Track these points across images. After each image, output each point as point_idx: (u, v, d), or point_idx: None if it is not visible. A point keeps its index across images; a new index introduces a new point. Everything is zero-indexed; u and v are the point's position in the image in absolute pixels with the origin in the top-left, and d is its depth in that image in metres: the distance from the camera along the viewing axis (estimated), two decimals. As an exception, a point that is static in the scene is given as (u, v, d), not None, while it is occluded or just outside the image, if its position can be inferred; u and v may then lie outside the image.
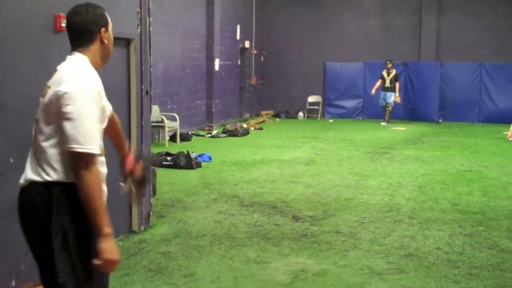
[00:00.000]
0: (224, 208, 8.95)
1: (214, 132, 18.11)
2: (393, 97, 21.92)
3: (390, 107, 22.04)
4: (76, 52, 3.46)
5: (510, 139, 16.82)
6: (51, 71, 5.72)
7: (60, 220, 3.30)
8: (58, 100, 3.23)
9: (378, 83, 22.29)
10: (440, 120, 22.74)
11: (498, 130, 19.26)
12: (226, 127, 18.69)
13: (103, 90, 3.45)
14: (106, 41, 3.50)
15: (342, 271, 6.40)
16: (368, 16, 24.17)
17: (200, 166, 12.18)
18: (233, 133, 17.90)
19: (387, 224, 8.21)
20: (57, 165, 3.30)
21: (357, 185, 10.69)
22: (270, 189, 10.26)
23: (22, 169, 5.38)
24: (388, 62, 22.10)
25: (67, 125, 3.18)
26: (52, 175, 3.31)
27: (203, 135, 17.92)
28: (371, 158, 13.81)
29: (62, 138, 3.23)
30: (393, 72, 21.99)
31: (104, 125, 3.45)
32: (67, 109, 3.19)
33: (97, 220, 3.20)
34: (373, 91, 22.36)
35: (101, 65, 3.57)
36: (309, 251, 7.03)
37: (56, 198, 3.31)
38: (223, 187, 10.34)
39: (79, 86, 3.24)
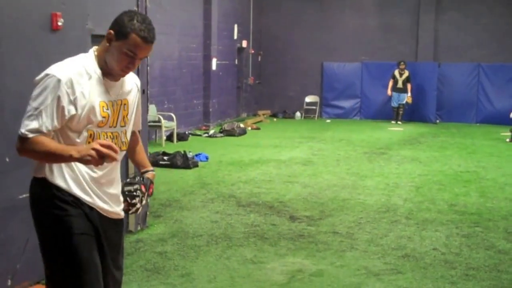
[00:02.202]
0: (221, 208, 8.93)
1: (211, 132, 18.08)
2: (406, 99, 22.02)
3: (403, 108, 22.21)
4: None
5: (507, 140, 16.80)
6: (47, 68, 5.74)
7: (34, 213, 3.43)
8: None
9: (391, 83, 22.34)
10: (438, 121, 22.73)
11: (496, 131, 19.27)
12: (223, 126, 18.66)
13: (87, 88, 3.23)
14: (105, 45, 3.26)
15: (339, 271, 6.39)
16: (366, 16, 24.13)
17: (197, 166, 12.16)
18: (230, 133, 17.87)
19: (384, 224, 8.20)
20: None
21: (354, 186, 10.68)
22: (267, 189, 10.25)
23: (18, 168, 5.37)
24: (401, 63, 22.20)
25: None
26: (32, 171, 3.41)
27: (200, 135, 17.90)
28: (368, 159, 13.81)
29: None
30: (406, 73, 22.12)
31: (81, 121, 3.26)
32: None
33: (60, 159, 3.20)
34: (389, 91, 22.41)
35: (109, 69, 3.31)
36: (306, 251, 7.03)
37: (31, 193, 3.43)
38: (220, 187, 10.32)
39: (45, 72, 3.20)
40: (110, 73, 3.32)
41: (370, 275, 6.30)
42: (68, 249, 3.30)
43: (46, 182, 3.32)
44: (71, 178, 3.31)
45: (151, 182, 3.75)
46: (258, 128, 20.15)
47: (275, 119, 23.77)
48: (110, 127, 3.37)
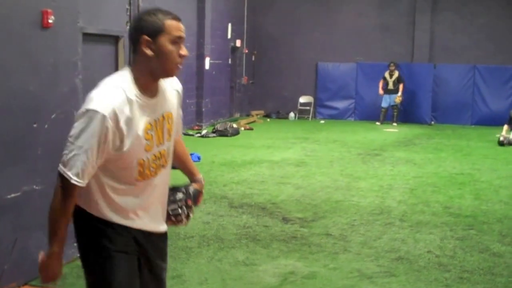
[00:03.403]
0: (212, 209, 8.86)
1: (204, 132, 18.01)
2: (395, 99, 22.05)
3: (397, 109, 22.24)
4: (127, 67, 3.15)
5: (501, 138, 16.73)
6: (38, 67, 5.66)
7: (78, 241, 3.36)
8: None
9: (381, 83, 22.35)
10: (433, 122, 22.73)
11: (491, 132, 19.21)
12: (216, 126, 18.59)
13: (132, 115, 3.00)
14: (149, 52, 3.00)
15: (332, 274, 6.32)
16: (361, 16, 24.10)
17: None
18: (223, 133, 17.81)
19: (377, 226, 8.14)
20: None
21: (348, 187, 10.62)
22: (259, 190, 10.17)
23: (6, 166, 5.29)
24: (391, 64, 22.19)
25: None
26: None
27: (192, 135, 17.82)
28: (362, 160, 13.75)
29: None
30: (396, 73, 22.11)
31: (130, 154, 3.06)
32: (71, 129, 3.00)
33: (50, 237, 3.13)
34: (381, 91, 22.41)
35: (152, 83, 3.11)
36: (298, 253, 6.95)
37: (74, 221, 3.33)
38: (212, 188, 10.24)
39: (85, 106, 2.93)
40: (149, 88, 3.10)
41: (363, 277, 6.23)
42: (105, 270, 3.20)
43: (86, 213, 3.19)
44: (113, 210, 3.16)
45: (199, 192, 3.65)
46: (251, 129, 20.09)
47: (268, 120, 23.74)
48: (157, 146, 3.16)
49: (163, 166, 3.26)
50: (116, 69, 7.11)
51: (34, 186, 5.61)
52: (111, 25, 6.92)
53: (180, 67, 3.16)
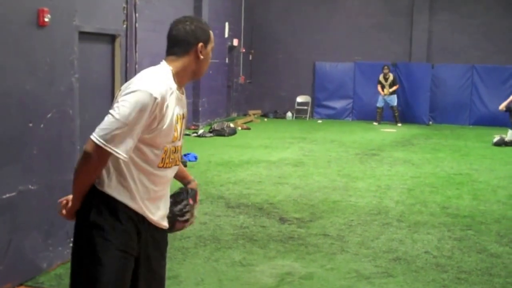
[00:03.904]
0: (209, 209, 8.83)
1: (201, 131, 17.97)
2: (394, 102, 22.13)
3: (397, 110, 22.27)
4: (164, 61, 3.45)
5: (495, 140, 16.83)
6: (34, 66, 5.63)
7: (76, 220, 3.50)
8: None
9: (379, 87, 22.40)
10: (431, 122, 22.74)
11: (489, 133, 19.21)
12: (212, 126, 18.55)
13: (171, 104, 3.29)
14: (201, 57, 3.44)
15: (329, 274, 6.30)
16: (359, 15, 24.09)
17: (185, 166, 12.01)
18: (219, 133, 17.78)
19: (375, 227, 8.12)
20: None
21: (346, 187, 10.60)
22: (256, 190, 10.15)
23: (2, 166, 5.26)
24: (385, 67, 22.21)
25: (105, 118, 3.14)
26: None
27: (189, 134, 17.76)
28: (360, 160, 13.73)
29: None
30: (391, 77, 22.19)
31: (160, 140, 3.30)
32: (114, 106, 3.16)
33: (75, 195, 3.32)
34: (382, 92, 22.42)
35: (188, 80, 3.52)
36: (295, 253, 6.93)
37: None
38: (208, 188, 10.21)
39: (136, 87, 3.16)
40: (182, 85, 3.47)
41: (360, 278, 6.21)
42: (96, 262, 3.29)
43: (98, 191, 3.31)
44: (125, 189, 3.30)
45: (196, 191, 3.80)
46: (248, 128, 20.07)
47: (265, 119, 23.72)
48: (178, 140, 3.45)
49: (176, 162, 3.50)
50: (113, 67, 7.07)
51: (30, 186, 5.58)
52: (108, 23, 6.89)
53: None
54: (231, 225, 8.02)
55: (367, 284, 6.06)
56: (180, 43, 3.40)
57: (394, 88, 22.12)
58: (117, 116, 3.09)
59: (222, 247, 7.05)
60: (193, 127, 19.34)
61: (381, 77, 22.30)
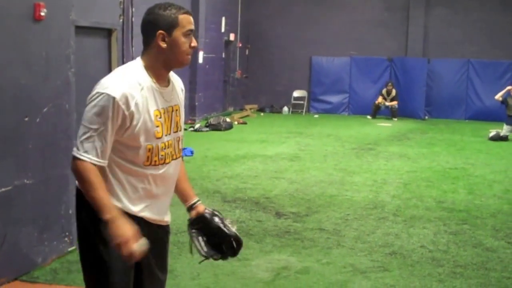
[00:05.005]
0: (205, 203, 8.59)
1: (197, 126, 17.96)
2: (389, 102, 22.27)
3: (395, 109, 22.40)
4: (140, 56, 3.35)
5: (491, 134, 16.89)
6: (30, 60, 5.62)
7: (78, 225, 3.42)
8: None
9: (381, 98, 22.56)
10: (426, 117, 22.73)
11: (485, 127, 19.21)
12: (209, 121, 18.54)
13: (142, 100, 3.16)
14: (163, 45, 3.20)
15: (325, 268, 6.31)
16: (355, 10, 24.05)
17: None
18: (216, 127, 17.77)
19: (371, 221, 8.13)
20: None
21: (342, 182, 10.60)
22: (253, 185, 10.15)
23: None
24: (389, 83, 22.52)
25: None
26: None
27: (185, 129, 17.74)
28: (356, 154, 13.74)
29: None
30: (393, 92, 22.49)
31: (136, 138, 3.19)
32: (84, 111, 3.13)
33: (100, 211, 3.10)
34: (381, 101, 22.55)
35: (166, 72, 3.33)
36: (291, 248, 6.93)
37: (77, 205, 3.39)
38: (205, 182, 10.21)
39: (97, 90, 3.11)
40: (161, 77, 3.30)
41: (356, 272, 6.22)
42: (103, 260, 3.26)
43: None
44: (120, 192, 3.25)
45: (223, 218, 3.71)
46: (244, 123, 20.06)
47: (262, 114, 23.70)
48: (165, 135, 3.29)
49: (173, 157, 3.38)
50: (110, 62, 7.07)
51: (25, 180, 5.57)
52: (104, 18, 6.88)
53: (190, 57, 3.33)
54: (227, 219, 8.01)
55: (363, 278, 6.07)
56: (143, 35, 3.27)
57: (394, 102, 22.21)
58: (83, 123, 3.08)
59: (218, 242, 7.04)
60: (189, 121, 19.33)
61: (384, 91, 22.46)
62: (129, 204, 3.25)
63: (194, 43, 3.30)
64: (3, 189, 5.32)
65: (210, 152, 13.47)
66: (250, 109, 23.62)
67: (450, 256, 6.80)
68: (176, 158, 3.43)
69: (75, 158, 3.07)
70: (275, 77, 24.77)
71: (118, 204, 3.19)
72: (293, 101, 24.47)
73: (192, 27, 3.31)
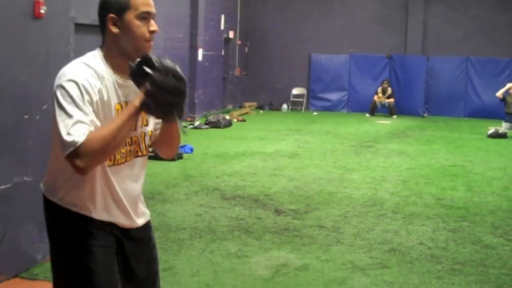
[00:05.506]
0: (205, 201, 8.82)
1: (196, 123, 17.96)
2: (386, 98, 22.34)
3: (393, 106, 22.44)
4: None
5: (489, 132, 16.90)
6: (29, 57, 5.62)
7: (49, 235, 3.13)
8: None
9: (376, 97, 22.60)
10: (425, 114, 22.75)
11: (483, 125, 19.24)
12: (208, 118, 18.54)
13: (101, 87, 2.86)
14: (115, 30, 2.89)
15: (325, 265, 6.31)
16: (354, 8, 24.06)
17: (181, 158, 12.01)
18: (215, 125, 17.76)
19: (370, 218, 8.13)
20: None
21: (341, 179, 10.60)
22: (252, 182, 10.15)
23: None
24: (384, 81, 22.63)
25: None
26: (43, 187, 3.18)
27: (185, 126, 17.76)
28: (355, 152, 13.75)
29: None
30: (389, 90, 22.56)
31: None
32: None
33: (128, 126, 2.79)
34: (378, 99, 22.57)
35: (124, 62, 2.85)
36: (291, 245, 6.93)
37: (46, 214, 3.15)
38: (204, 180, 10.21)
39: (57, 83, 2.82)
40: (121, 68, 2.93)
41: (355, 269, 6.22)
42: (86, 267, 2.98)
43: (58, 206, 3.00)
44: (86, 201, 2.96)
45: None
46: (244, 120, 20.06)
47: (261, 111, 23.69)
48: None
49: (136, 154, 3.11)
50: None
51: (25, 178, 5.57)
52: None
53: (151, 43, 2.98)
54: (227, 216, 8.02)
55: (362, 275, 6.07)
56: (99, 22, 2.97)
57: (391, 100, 22.24)
58: (57, 120, 2.73)
59: (218, 239, 7.05)
60: (189, 119, 19.33)
61: (379, 90, 22.50)
62: (94, 210, 2.98)
63: (153, 27, 2.95)
64: (2, 186, 5.32)
65: (209, 149, 13.47)
66: (249, 106, 23.63)
67: (449, 253, 6.80)
68: (142, 156, 3.16)
69: (74, 155, 2.69)
70: (274, 75, 24.77)
71: (84, 212, 2.96)
72: (292, 99, 24.48)
73: (149, 9, 2.94)
